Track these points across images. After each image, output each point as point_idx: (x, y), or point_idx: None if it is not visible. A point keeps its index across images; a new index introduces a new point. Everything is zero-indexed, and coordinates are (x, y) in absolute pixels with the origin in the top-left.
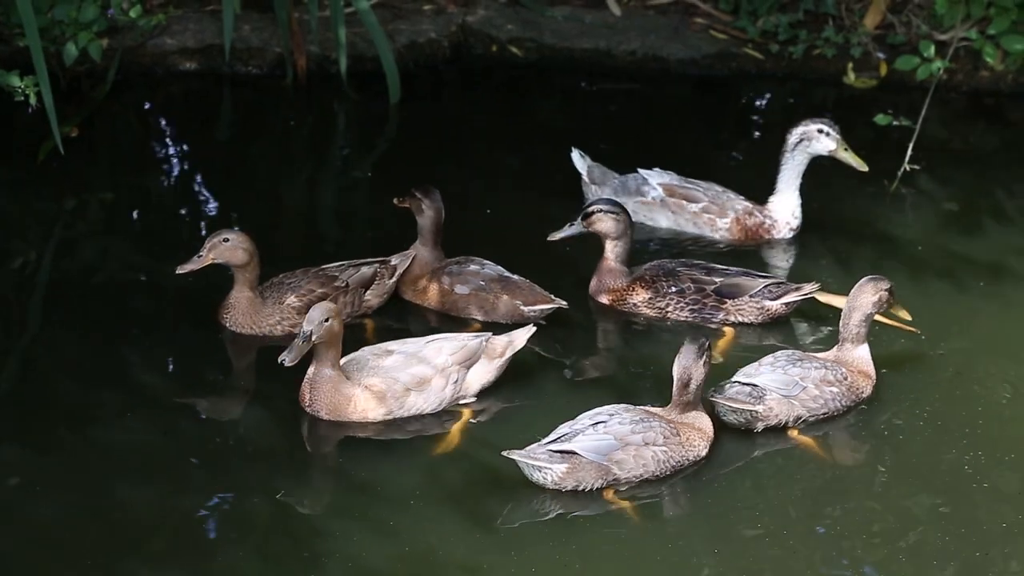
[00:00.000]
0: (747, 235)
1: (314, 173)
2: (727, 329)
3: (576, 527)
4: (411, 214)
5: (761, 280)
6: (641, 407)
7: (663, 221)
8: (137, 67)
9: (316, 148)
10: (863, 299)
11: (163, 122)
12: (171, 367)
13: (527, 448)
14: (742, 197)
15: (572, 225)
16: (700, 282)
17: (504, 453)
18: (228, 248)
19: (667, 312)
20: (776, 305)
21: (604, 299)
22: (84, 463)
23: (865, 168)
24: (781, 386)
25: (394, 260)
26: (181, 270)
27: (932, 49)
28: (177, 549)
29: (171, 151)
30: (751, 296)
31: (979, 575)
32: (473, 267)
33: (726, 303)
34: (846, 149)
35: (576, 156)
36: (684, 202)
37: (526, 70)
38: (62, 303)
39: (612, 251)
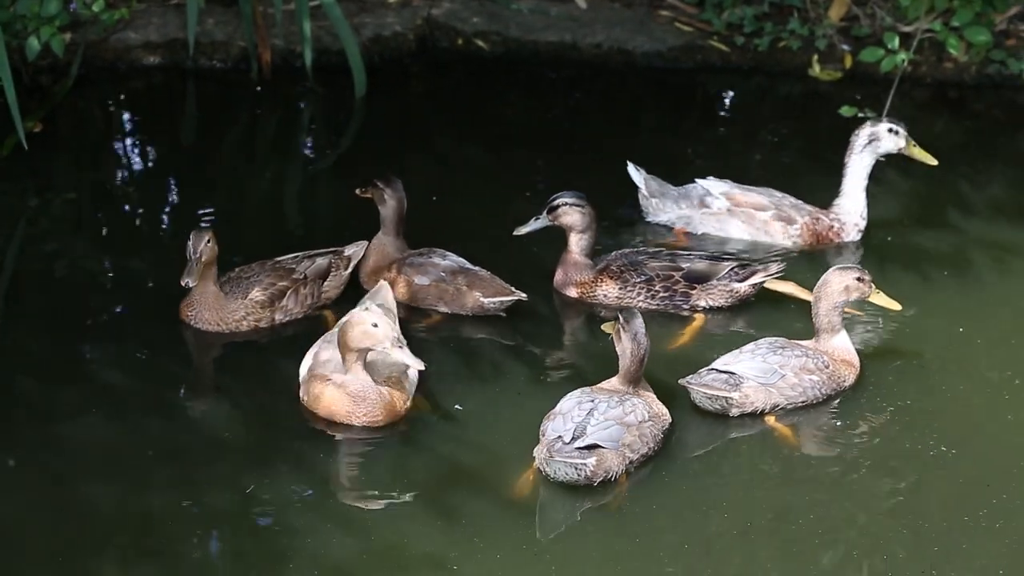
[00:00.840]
0: (817, 240)
1: (279, 167)
2: (698, 315)
3: (544, 520)
4: (375, 206)
5: (726, 263)
6: (595, 387)
7: (733, 231)
8: (100, 61)
9: (281, 142)
10: (828, 288)
11: (127, 117)
12: (134, 363)
13: (555, 450)
14: (801, 202)
15: (538, 219)
16: (667, 269)
17: (536, 455)
18: (211, 248)
19: (637, 302)
20: (744, 287)
21: (572, 292)
22: (46, 460)
23: (935, 162)
24: (759, 374)
25: (348, 250)
26: (188, 282)
27: (896, 41)
28: (142, 546)
29: (135, 146)
30: (719, 279)
31: (942, 571)
32: (434, 258)
33: (695, 288)
34: (914, 145)
35: (632, 169)
36: (753, 211)
37: (492, 63)
38: (24, 299)
39: (577, 244)
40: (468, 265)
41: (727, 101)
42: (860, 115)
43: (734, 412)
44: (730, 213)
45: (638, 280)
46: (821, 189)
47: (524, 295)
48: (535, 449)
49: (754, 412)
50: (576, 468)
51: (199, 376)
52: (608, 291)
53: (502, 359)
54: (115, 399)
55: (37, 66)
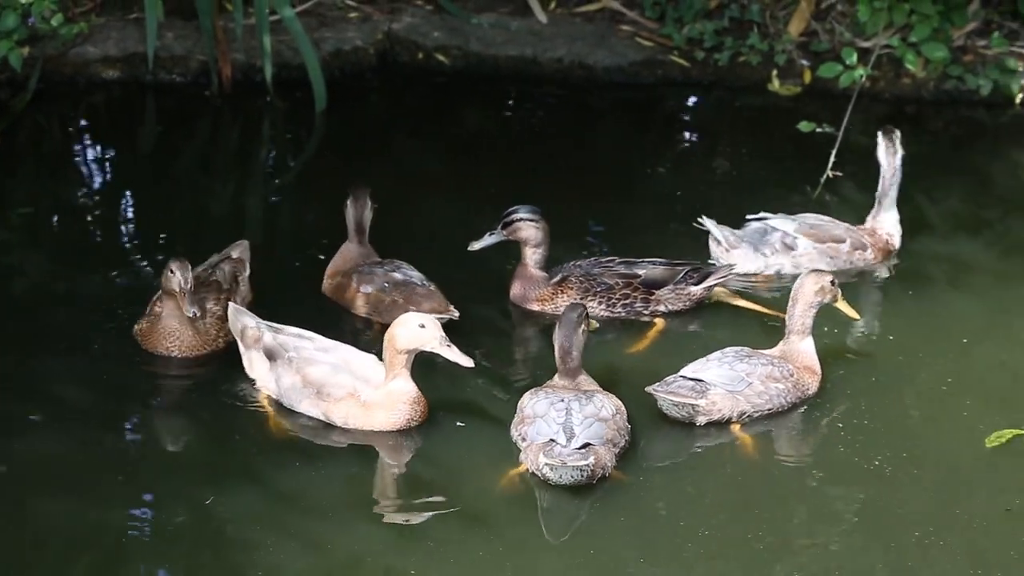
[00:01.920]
0: (884, 255)
1: (239, 181)
2: (658, 320)
3: (503, 532)
4: (341, 217)
5: (680, 267)
6: (547, 386)
7: (823, 267)
8: (59, 76)
9: (241, 156)
10: (805, 289)
11: (86, 131)
12: (90, 378)
13: (558, 456)
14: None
15: (493, 234)
16: (625, 276)
17: (526, 460)
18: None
19: (599, 311)
20: (699, 290)
21: (534, 306)
22: (1, 476)
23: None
24: (726, 381)
25: (235, 252)
26: (195, 312)
27: (855, 56)
28: (98, 561)
29: (94, 160)
30: (675, 284)
31: None
32: (385, 269)
33: (654, 294)
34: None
35: (708, 223)
36: (835, 244)
37: (452, 77)
38: None
39: (532, 258)
40: (418, 280)
41: (687, 115)
42: (819, 130)
43: (700, 420)
44: (817, 252)
45: (598, 289)
46: (776, 200)
47: (456, 313)
48: (522, 455)
49: (720, 420)
50: (580, 469)
51: (155, 391)
52: (570, 301)
53: (458, 372)
54: (71, 414)
55: None
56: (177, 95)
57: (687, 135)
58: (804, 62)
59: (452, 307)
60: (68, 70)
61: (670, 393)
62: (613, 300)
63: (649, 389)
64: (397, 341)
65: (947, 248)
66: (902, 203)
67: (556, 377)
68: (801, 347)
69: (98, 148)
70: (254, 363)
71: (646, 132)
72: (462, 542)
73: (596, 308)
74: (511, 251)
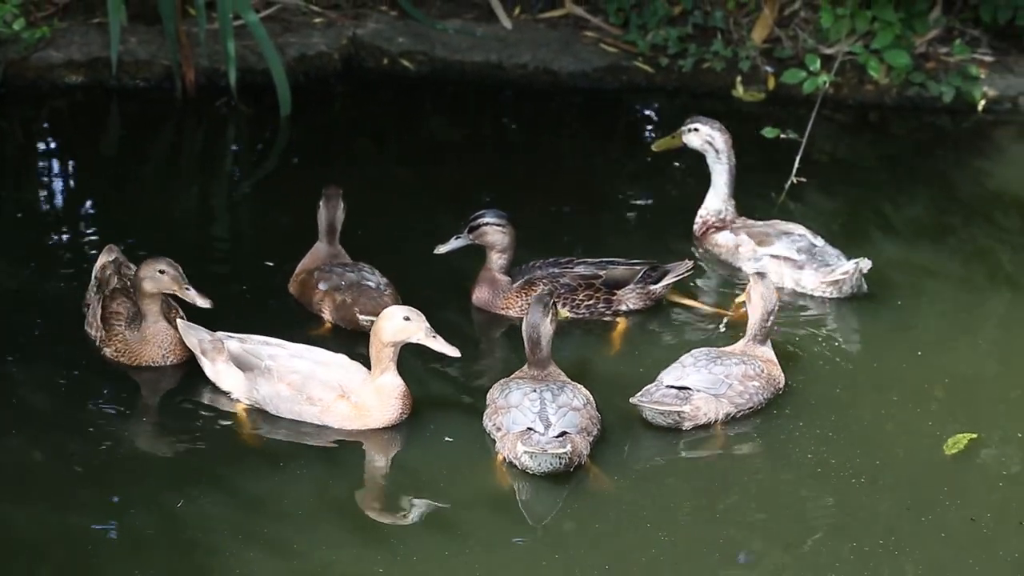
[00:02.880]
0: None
1: (204, 187)
2: (620, 320)
3: (471, 537)
4: (305, 222)
5: (638, 266)
6: (515, 378)
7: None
8: (22, 80)
9: (206, 162)
10: (770, 295)
11: (49, 136)
12: (53, 384)
13: (537, 444)
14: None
15: (459, 238)
16: (586, 278)
17: (503, 449)
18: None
19: (564, 311)
20: (659, 288)
21: (499, 310)
22: None
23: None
24: (708, 385)
25: (101, 259)
26: (209, 303)
27: (818, 63)
28: (63, 568)
29: (57, 166)
30: (635, 283)
31: None
32: (345, 269)
33: (616, 294)
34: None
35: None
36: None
37: (417, 83)
38: None
39: (497, 262)
40: (373, 283)
41: (651, 121)
42: (783, 136)
43: (687, 425)
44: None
45: (562, 291)
46: (740, 205)
47: None
48: (498, 444)
49: (707, 423)
50: (559, 457)
51: (120, 396)
52: None
53: (426, 374)
54: (33, 419)
55: None
56: (141, 100)
57: (651, 141)
58: (768, 68)
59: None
60: (31, 74)
61: (656, 403)
62: (577, 301)
63: (633, 400)
64: (383, 334)
65: (910, 254)
66: (865, 208)
67: (525, 368)
68: (762, 349)
69: (61, 152)
70: (222, 375)
71: (610, 138)
72: (429, 549)
73: (561, 308)
74: (478, 254)
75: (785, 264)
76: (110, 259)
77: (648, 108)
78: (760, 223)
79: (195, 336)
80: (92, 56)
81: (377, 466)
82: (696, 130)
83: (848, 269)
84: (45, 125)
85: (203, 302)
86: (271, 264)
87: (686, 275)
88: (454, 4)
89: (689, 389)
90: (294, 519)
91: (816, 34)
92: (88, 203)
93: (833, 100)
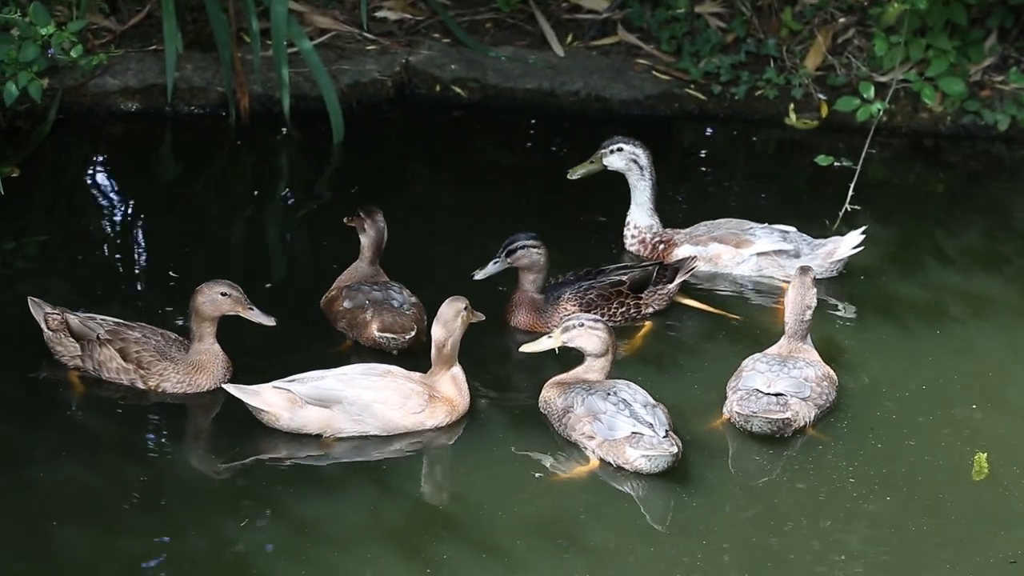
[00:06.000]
0: None
1: (257, 213)
2: (647, 322)
3: (524, 564)
4: (354, 240)
5: (651, 269)
6: (554, 384)
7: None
8: (78, 107)
9: (259, 188)
10: (810, 293)
11: (104, 162)
12: (109, 408)
13: (649, 443)
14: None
15: (496, 262)
16: (614, 285)
17: (641, 453)
18: None
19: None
20: (673, 287)
21: (546, 328)
22: (20, 505)
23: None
24: (796, 389)
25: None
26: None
27: (872, 91)
28: None
29: (112, 191)
30: (654, 285)
31: None
32: (374, 288)
33: (642, 298)
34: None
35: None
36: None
37: (469, 110)
38: None
39: (531, 283)
40: (397, 302)
41: (704, 149)
42: (836, 164)
43: (788, 432)
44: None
45: (598, 301)
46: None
47: (412, 333)
48: (596, 452)
49: (803, 428)
50: (673, 455)
51: (174, 419)
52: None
53: (478, 402)
54: (88, 442)
55: (15, 111)
56: (195, 126)
57: (704, 168)
58: (821, 96)
59: (413, 330)
60: (87, 101)
61: (765, 412)
62: (612, 310)
63: (735, 411)
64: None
65: (964, 282)
66: (919, 236)
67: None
68: (806, 345)
69: (116, 178)
70: (310, 419)
71: (663, 165)
72: (478, 574)
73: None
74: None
75: (780, 257)
76: (43, 313)
77: (700, 136)
78: (698, 227)
79: (260, 396)
80: (148, 83)
81: (428, 495)
82: (620, 150)
83: (856, 241)
84: (101, 151)
85: (267, 321)
86: (317, 294)
87: (693, 270)
88: (506, 31)
89: (783, 395)
90: (344, 544)
91: (869, 62)
92: (141, 228)
93: (887, 128)
